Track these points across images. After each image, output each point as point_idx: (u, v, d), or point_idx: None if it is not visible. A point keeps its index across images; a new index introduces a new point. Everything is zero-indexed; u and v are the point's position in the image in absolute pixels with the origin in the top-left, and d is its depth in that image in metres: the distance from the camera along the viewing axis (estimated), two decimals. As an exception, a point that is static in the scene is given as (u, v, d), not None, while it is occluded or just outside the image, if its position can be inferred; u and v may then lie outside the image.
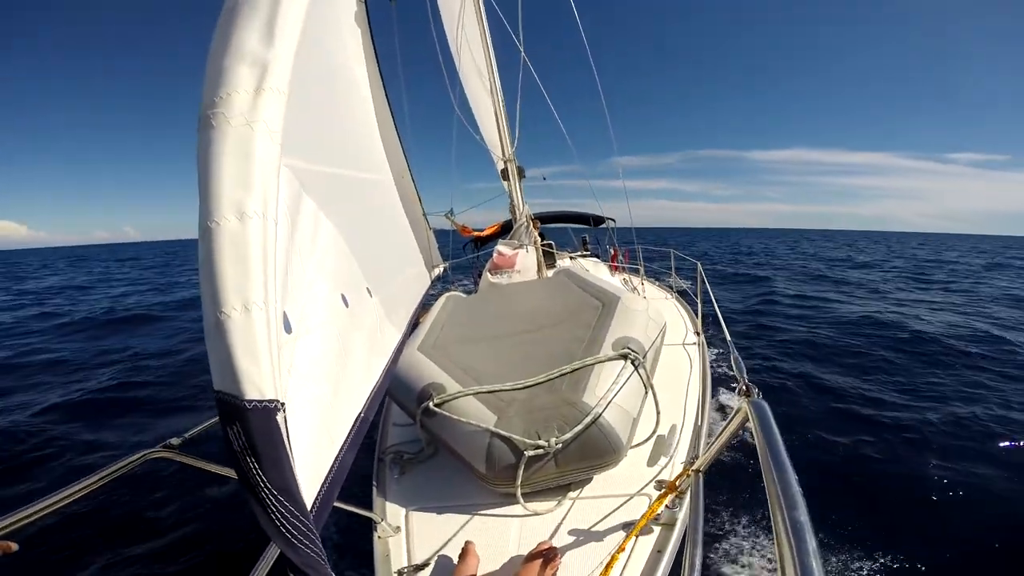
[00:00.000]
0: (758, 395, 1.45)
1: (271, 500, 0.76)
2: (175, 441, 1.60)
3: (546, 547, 1.70)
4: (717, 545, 3.55)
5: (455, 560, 1.82)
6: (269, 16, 0.98)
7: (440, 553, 1.88)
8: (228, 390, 0.76)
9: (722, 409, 5.46)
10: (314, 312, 1.21)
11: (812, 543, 0.79)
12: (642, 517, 1.78)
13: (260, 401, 0.77)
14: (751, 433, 1.24)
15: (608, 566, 1.60)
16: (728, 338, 3.09)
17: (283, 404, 0.81)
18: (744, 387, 1.54)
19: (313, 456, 1.03)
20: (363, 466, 2.55)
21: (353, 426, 1.27)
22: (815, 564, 0.75)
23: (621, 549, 1.68)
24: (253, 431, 0.76)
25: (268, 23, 0.97)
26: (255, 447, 0.76)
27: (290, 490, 0.78)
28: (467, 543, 1.80)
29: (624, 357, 2.28)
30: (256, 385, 0.77)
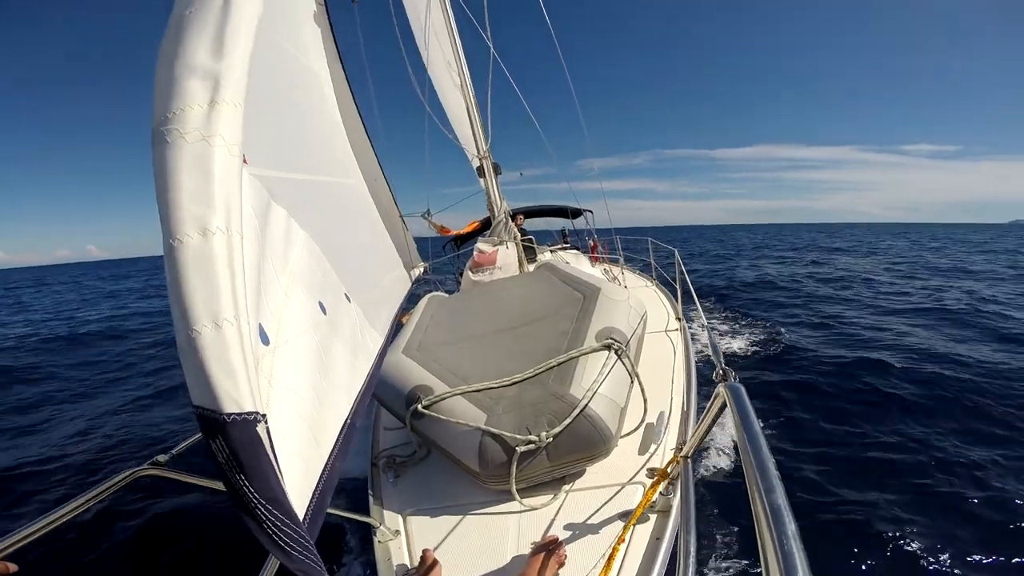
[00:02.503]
0: (735, 378, 1.46)
1: (261, 510, 0.76)
2: (162, 458, 1.59)
3: (549, 539, 1.71)
4: (711, 528, 3.60)
5: (454, 559, 1.83)
6: (218, 28, 0.95)
7: (440, 552, 1.88)
8: (206, 405, 0.76)
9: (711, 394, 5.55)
10: (291, 322, 1.20)
11: (791, 526, 0.80)
12: (638, 506, 1.80)
13: (239, 414, 0.77)
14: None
15: (611, 558, 1.61)
16: (705, 323, 3.11)
17: (264, 415, 0.81)
18: (721, 371, 1.55)
19: (302, 464, 1.03)
20: (359, 472, 2.56)
21: (340, 432, 1.26)
22: (795, 547, 0.75)
23: (621, 540, 1.69)
24: (235, 443, 0.76)
25: (217, 35, 0.94)
26: (239, 459, 0.76)
27: (279, 499, 0.79)
28: (424, 551, 1.81)
29: (608, 348, 2.29)
30: (233, 399, 0.77)
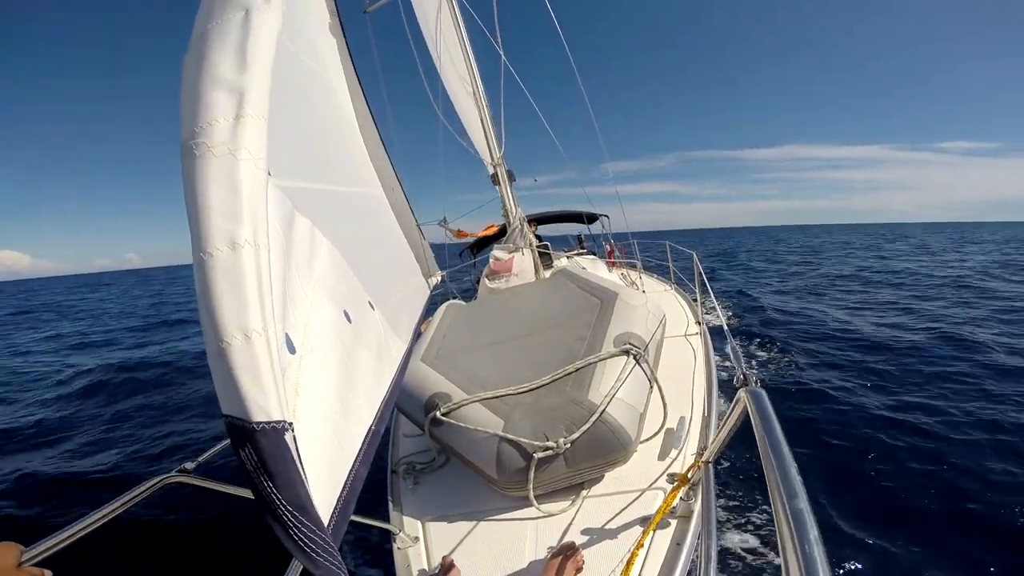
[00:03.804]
0: (756, 383, 1.46)
1: (288, 516, 0.77)
2: (189, 465, 1.63)
3: (566, 544, 1.72)
4: (732, 533, 3.56)
5: (473, 565, 1.84)
6: (240, 41, 0.96)
7: (459, 558, 1.89)
8: (236, 414, 0.78)
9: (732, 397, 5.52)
10: (317, 331, 1.22)
11: (813, 531, 0.79)
12: (658, 511, 1.79)
13: (268, 422, 0.78)
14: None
15: (629, 563, 1.61)
16: (725, 328, 3.09)
17: (291, 424, 0.82)
18: (742, 376, 1.55)
19: (327, 471, 1.04)
20: (379, 479, 2.58)
21: (365, 440, 1.28)
22: (817, 552, 0.75)
23: (640, 545, 1.69)
24: (264, 451, 0.77)
25: (240, 48, 0.95)
26: (267, 467, 0.77)
27: (305, 506, 0.80)
28: (443, 558, 1.82)
29: (626, 353, 2.28)
30: (262, 408, 0.78)
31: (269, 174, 1.19)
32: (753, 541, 3.45)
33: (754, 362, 7.76)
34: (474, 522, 2.10)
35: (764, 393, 1.32)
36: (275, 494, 0.77)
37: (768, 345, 8.72)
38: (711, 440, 1.96)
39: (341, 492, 1.06)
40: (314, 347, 1.16)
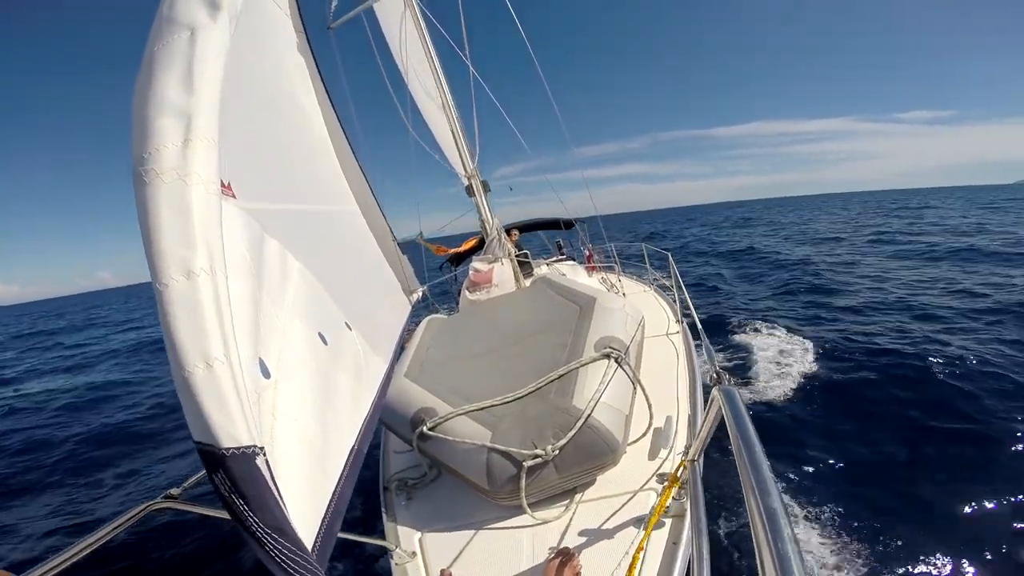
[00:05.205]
0: (729, 381, 1.48)
1: (267, 539, 0.78)
2: (175, 491, 1.62)
3: (562, 550, 1.72)
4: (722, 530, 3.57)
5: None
6: (187, 64, 0.94)
7: (457, 570, 1.90)
8: (205, 440, 0.78)
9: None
10: (292, 355, 1.21)
11: (787, 529, 0.80)
12: (654, 513, 1.80)
13: (237, 448, 0.78)
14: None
15: (631, 567, 1.61)
16: (699, 326, 3.10)
17: (262, 448, 0.82)
18: (715, 375, 1.57)
19: (309, 492, 1.04)
20: (372, 497, 2.56)
21: (347, 459, 1.27)
22: (791, 549, 0.76)
23: (640, 548, 1.69)
24: (236, 476, 0.78)
25: (186, 72, 0.94)
26: (241, 490, 0.78)
27: (282, 527, 0.81)
28: (442, 571, 1.82)
29: (607, 356, 2.29)
30: (230, 434, 0.78)
31: (235, 196, 1.18)
32: (739, 536, 3.46)
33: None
34: (470, 533, 2.09)
35: (736, 391, 1.34)
36: (251, 516, 0.78)
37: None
38: (694, 439, 1.98)
39: (325, 512, 1.06)
40: (290, 371, 1.15)
